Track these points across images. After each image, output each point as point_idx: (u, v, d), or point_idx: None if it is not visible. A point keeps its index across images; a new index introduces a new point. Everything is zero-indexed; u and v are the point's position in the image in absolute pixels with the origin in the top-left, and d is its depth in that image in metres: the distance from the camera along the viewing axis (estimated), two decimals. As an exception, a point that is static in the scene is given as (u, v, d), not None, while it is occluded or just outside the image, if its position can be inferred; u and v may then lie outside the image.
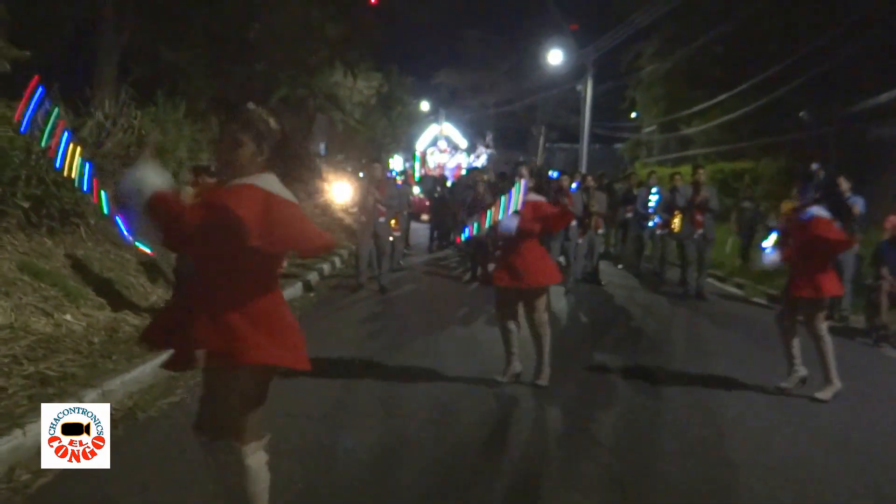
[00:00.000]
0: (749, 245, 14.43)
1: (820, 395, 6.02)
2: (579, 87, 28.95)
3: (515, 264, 6.08)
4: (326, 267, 12.89)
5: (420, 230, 19.21)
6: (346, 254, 14.78)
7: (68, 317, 7.02)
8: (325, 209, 20.38)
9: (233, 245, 2.78)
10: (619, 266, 14.94)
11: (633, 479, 4.48)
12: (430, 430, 5.15)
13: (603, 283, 12.63)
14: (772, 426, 5.52)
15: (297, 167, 19.34)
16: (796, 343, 6.28)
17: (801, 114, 20.81)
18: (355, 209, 11.89)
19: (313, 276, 11.64)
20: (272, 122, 3.02)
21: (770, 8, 21.25)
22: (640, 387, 6.46)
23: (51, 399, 4.95)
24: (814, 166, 6.37)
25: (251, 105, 3.07)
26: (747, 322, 10.01)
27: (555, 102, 38.93)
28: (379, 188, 11.26)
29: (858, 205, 9.36)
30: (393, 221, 12.07)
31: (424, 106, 39.28)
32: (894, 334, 8.66)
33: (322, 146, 24.15)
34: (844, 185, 9.13)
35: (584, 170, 22.28)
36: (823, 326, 6.11)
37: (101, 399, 5.22)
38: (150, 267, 8.84)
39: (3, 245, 7.68)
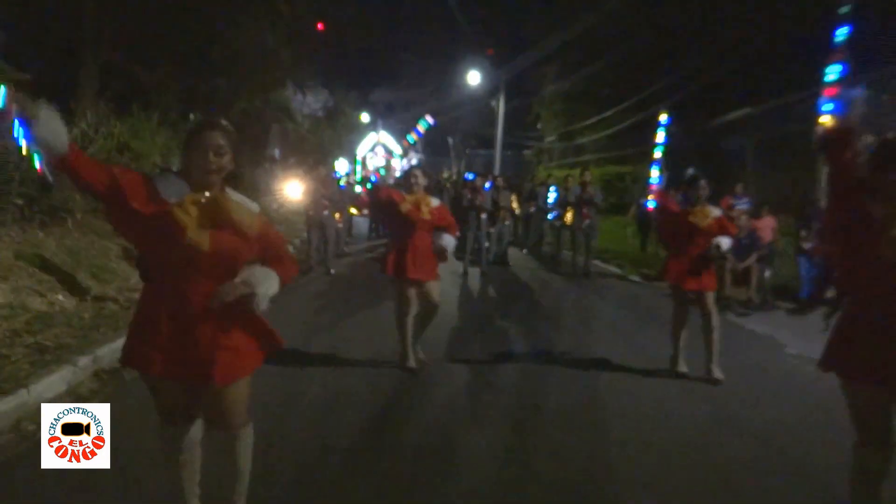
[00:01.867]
0: (647, 235, 14.83)
1: (718, 374, 5.62)
2: (493, 103, 29.34)
3: (409, 258, 5.53)
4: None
5: (361, 222, 19.32)
6: (298, 242, 14.83)
7: (60, 297, 7.01)
8: (280, 205, 20.32)
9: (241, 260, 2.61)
10: (524, 251, 15.38)
11: (525, 448, 4.31)
12: (364, 388, 5.41)
13: (511, 264, 13.03)
14: (638, 381, 5.95)
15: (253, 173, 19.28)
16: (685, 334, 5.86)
17: (671, 127, 21.40)
18: (306, 204, 11.97)
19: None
20: (234, 135, 2.69)
21: (647, 41, 21.94)
22: (537, 348, 6.86)
23: (48, 364, 5.04)
24: (690, 171, 6.40)
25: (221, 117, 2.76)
26: (621, 294, 10.57)
27: (474, 115, 39.19)
28: (324, 186, 11.43)
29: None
30: (337, 215, 12.20)
31: (365, 117, 39.08)
32: (735, 304, 9.27)
33: (277, 152, 23.93)
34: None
35: (497, 172, 22.63)
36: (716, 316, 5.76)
37: (93, 363, 5.31)
38: (130, 253, 8.81)
39: (0, 237, 7.62)
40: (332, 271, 11.24)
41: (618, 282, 11.96)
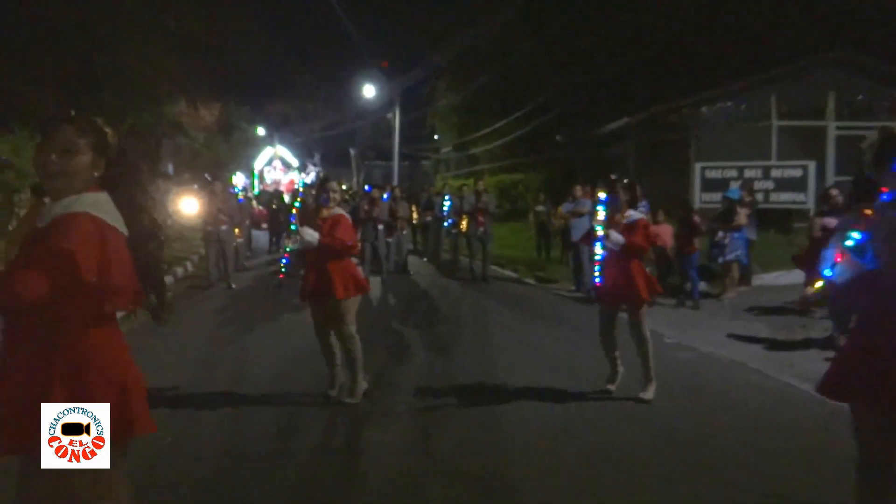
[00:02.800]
0: (545, 240, 14.90)
1: (645, 395, 5.29)
2: (389, 116, 29.59)
3: (317, 277, 5.14)
4: (180, 270, 12.65)
5: (261, 237, 19.03)
6: (196, 258, 14.49)
7: None
8: (175, 221, 19.73)
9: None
10: (424, 259, 15.66)
11: (428, 442, 4.51)
12: (270, 400, 5.49)
13: (411, 272, 13.26)
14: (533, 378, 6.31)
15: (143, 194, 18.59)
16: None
17: (557, 137, 22.37)
18: (202, 220, 11.76)
19: (168, 279, 11.41)
20: (111, 135, 2.23)
21: (532, 54, 22.80)
22: (434, 353, 7.12)
23: None
24: (613, 176, 6.14)
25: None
26: (517, 296, 11.03)
27: (371, 127, 39.34)
28: (222, 201, 11.30)
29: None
30: (236, 230, 12.07)
31: (260, 131, 38.42)
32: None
33: (170, 167, 23.18)
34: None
35: (395, 183, 22.87)
36: (646, 326, 5.40)
37: None
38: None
39: None
40: (234, 286, 11.10)
41: (513, 285, 12.42)
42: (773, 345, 7.26)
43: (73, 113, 2.19)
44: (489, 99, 26.16)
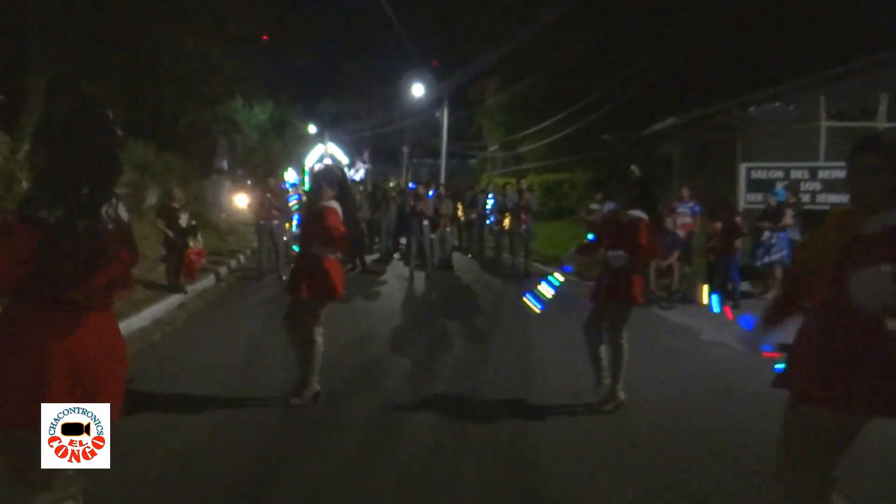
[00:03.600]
0: None
1: (605, 406, 5.00)
2: (438, 114, 29.91)
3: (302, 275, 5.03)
4: (233, 262, 13.17)
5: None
6: (248, 251, 15.04)
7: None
8: (229, 215, 20.44)
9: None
10: (468, 255, 15.91)
11: (463, 427, 4.91)
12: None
13: (455, 268, 13.54)
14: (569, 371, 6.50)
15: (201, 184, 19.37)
16: (603, 351, 5.14)
17: (603, 136, 22.31)
18: (255, 214, 12.23)
19: (223, 269, 11.94)
20: None
21: (581, 56, 22.82)
22: (473, 344, 7.37)
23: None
24: (633, 169, 5.73)
25: None
26: (558, 293, 11.15)
27: (419, 126, 39.70)
28: (274, 196, 11.73)
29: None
30: (287, 224, 12.51)
31: (312, 129, 39.19)
32: (659, 299, 9.97)
33: (225, 163, 23.95)
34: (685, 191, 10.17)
35: (442, 181, 23.20)
36: (625, 335, 5.08)
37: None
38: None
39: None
40: (284, 277, 11.52)
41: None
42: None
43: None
44: (536, 98, 26.24)
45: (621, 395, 5.01)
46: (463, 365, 6.37)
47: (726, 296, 9.72)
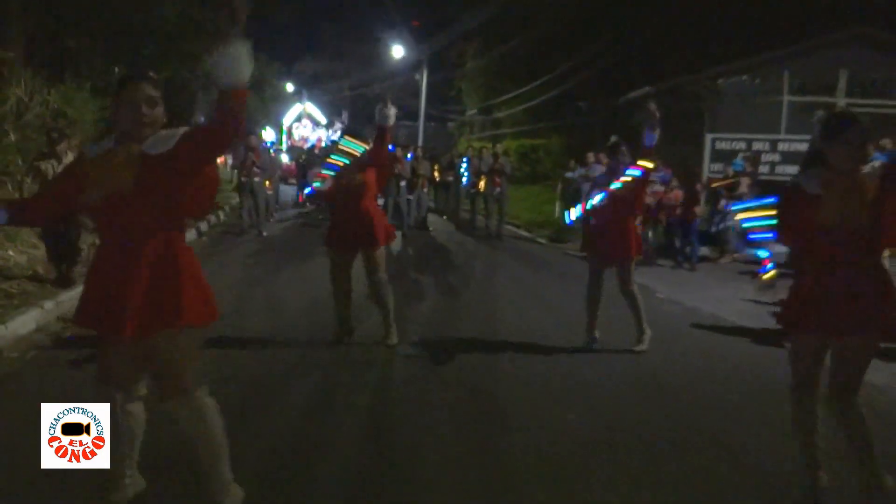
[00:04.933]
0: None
1: (639, 347, 5.66)
2: (417, 77, 30.02)
3: (353, 227, 5.30)
4: (213, 217, 13.49)
5: (288, 191, 19.84)
6: (227, 208, 15.36)
7: (10, 252, 7.51)
8: (210, 170, 20.59)
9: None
10: (444, 217, 16.37)
11: (432, 369, 5.50)
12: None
13: (430, 228, 14.01)
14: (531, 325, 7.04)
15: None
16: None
17: (579, 104, 22.70)
18: (237, 171, 12.54)
19: (203, 225, 12.27)
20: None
21: (559, 22, 23.08)
22: (445, 297, 7.89)
23: (18, 307, 5.68)
24: (613, 138, 6.27)
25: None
26: (527, 253, 11.73)
27: (398, 88, 39.65)
28: (255, 155, 12.06)
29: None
30: (267, 182, 12.85)
31: (290, 87, 39.00)
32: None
33: (203, 119, 23.96)
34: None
35: (420, 144, 23.50)
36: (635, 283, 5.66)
37: (56, 308, 5.94)
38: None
39: (-53, 197, 8.00)
40: (265, 233, 11.91)
41: (526, 243, 13.13)
42: (756, 303, 7.88)
43: (150, 73, 2.63)
44: (515, 64, 26.47)
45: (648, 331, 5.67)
46: (435, 312, 6.89)
47: (684, 258, 10.36)
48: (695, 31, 18.57)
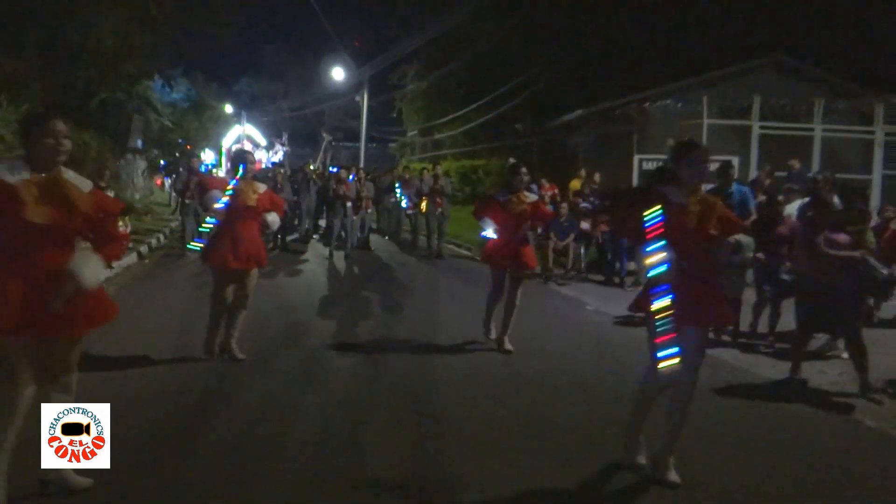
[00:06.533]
0: None
1: (510, 346, 6.32)
2: (358, 98, 30.52)
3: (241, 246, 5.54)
4: (153, 241, 13.64)
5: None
6: (167, 231, 15.49)
7: None
8: (144, 195, 20.60)
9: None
10: (385, 237, 16.84)
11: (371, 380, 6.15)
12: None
13: (373, 248, 14.45)
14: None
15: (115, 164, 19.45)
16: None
17: (516, 126, 23.59)
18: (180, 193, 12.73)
19: (144, 248, 12.44)
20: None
21: (497, 46, 23.99)
22: (387, 312, 8.37)
23: None
24: (511, 160, 6.97)
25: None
26: (467, 271, 12.27)
27: (339, 109, 40.09)
28: (197, 175, 12.32)
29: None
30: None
31: (229, 108, 39.01)
32: (555, 276, 11.22)
33: (140, 142, 23.89)
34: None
35: (362, 165, 23.93)
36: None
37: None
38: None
39: None
40: (207, 255, 12.12)
41: (466, 261, 13.67)
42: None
43: (61, 117, 3.06)
44: (455, 86, 27.30)
45: (508, 345, 6.32)
46: (377, 325, 7.39)
47: (614, 273, 11.10)
48: (625, 57, 19.72)
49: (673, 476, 3.62)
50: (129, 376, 5.22)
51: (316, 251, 14.00)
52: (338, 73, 30.77)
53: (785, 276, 6.66)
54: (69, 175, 3.08)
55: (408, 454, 3.96)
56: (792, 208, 7.73)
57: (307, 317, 7.76)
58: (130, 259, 11.24)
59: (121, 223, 10.35)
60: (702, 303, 3.57)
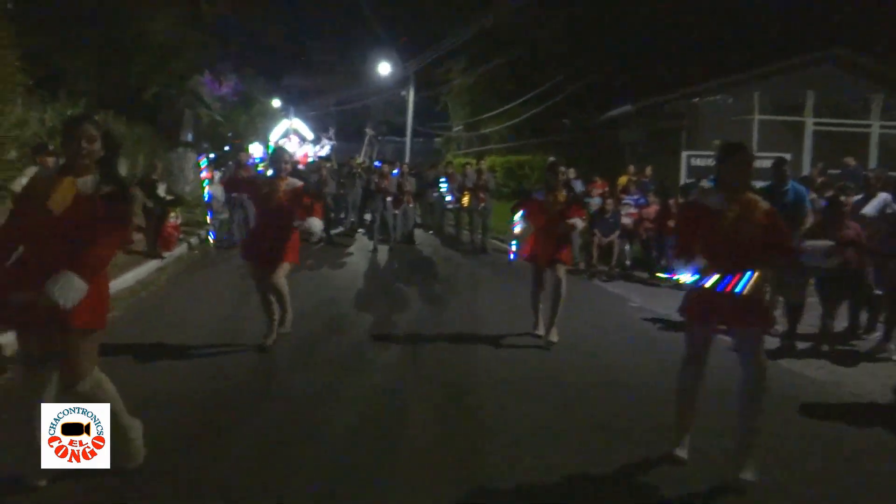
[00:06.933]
0: None
1: (554, 337, 6.44)
2: (404, 93, 30.79)
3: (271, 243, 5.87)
4: (203, 232, 14.02)
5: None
6: (216, 223, 15.88)
7: None
8: (193, 188, 21.12)
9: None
10: (429, 232, 16.96)
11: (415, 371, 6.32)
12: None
13: (416, 243, 14.59)
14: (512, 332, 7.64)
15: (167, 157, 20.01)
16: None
17: (563, 121, 23.47)
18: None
19: (194, 240, 12.82)
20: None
21: (545, 38, 23.93)
22: (428, 306, 8.48)
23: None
24: (551, 158, 7.11)
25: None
26: (511, 266, 12.30)
27: (385, 103, 40.36)
28: (244, 170, 12.63)
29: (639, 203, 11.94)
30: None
31: (276, 103, 39.62)
32: (600, 273, 11.18)
33: (190, 136, 24.52)
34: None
35: (407, 160, 24.22)
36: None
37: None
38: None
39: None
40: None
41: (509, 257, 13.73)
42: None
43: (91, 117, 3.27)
44: (501, 80, 27.28)
45: (553, 335, 6.42)
46: (418, 318, 7.50)
47: (661, 270, 11.00)
48: (674, 51, 19.42)
49: (747, 475, 3.58)
50: (174, 363, 5.46)
51: (360, 245, 14.20)
52: (384, 68, 31.11)
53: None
54: (88, 179, 3.15)
55: (442, 445, 4.07)
56: (871, 208, 7.59)
57: (349, 309, 7.93)
58: (181, 250, 11.62)
59: (172, 215, 10.78)
60: (743, 306, 3.59)
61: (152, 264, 9.89)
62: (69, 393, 3.06)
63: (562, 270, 6.45)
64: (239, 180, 6.41)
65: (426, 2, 32.46)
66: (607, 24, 21.60)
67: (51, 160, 7.84)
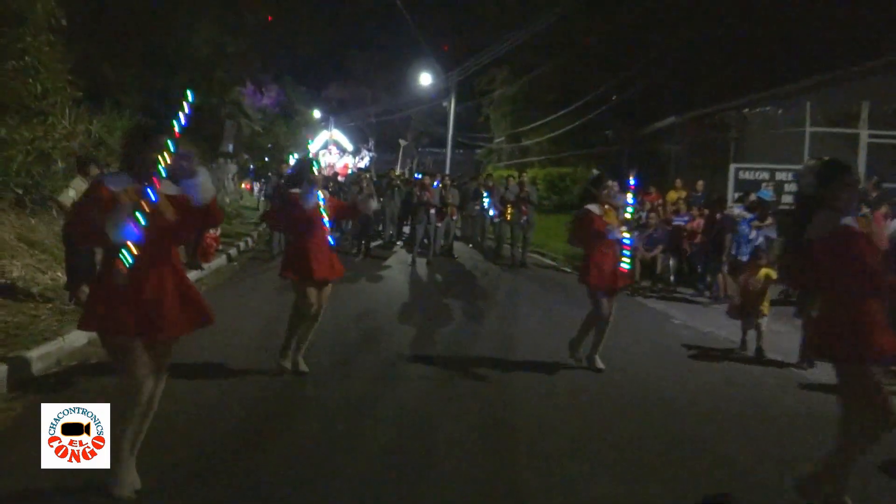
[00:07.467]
0: None
1: (601, 364, 6.18)
2: (445, 104, 30.98)
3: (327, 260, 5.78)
4: (242, 244, 14.30)
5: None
6: (255, 235, 16.18)
7: (59, 273, 8.31)
8: (235, 199, 21.60)
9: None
10: (469, 245, 16.99)
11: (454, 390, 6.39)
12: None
13: (455, 256, 14.62)
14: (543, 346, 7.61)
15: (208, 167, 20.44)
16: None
17: (606, 132, 23.34)
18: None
19: (233, 251, 13.06)
20: None
21: (587, 51, 23.86)
22: (466, 319, 8.50)
23: (72, 322, 6.39)
24: (595, 171, 6.95)
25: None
26: (552, 281, 12.28)
27: (426, 114, 40.65)
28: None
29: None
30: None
31: (316, 114, 40.24)
32: (643, 288, 11.05)
33: (231, 146, 25.04)
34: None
35: (448, 171, 24.34)
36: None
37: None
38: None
39: (2, 221, 8.88)
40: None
41: (551, 271, 13.66)
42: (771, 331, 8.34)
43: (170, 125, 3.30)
44: (543, 92, 27.26)
45: (599, 363, 6.19)
46: (455, 333, 7.52)
47: (706, 286, 10.84)
48: (721, 61, 19.17)
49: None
50: (210, 376, 5.55)
51: (399, 258, 14.29)
52: (425, 79, 31.36)
53: None
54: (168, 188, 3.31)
55: (475, 461, 4.06)
56: None
57: (386, 323, 7.98)
58: (220, 261, 11.84)
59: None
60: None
61: (191, 275, 10.10)
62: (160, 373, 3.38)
63: (614, 298, 6.24)
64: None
65: (470, 11, 32.64)
66: (653, 32, 21.45)
67: (94, 169, 7.98)
